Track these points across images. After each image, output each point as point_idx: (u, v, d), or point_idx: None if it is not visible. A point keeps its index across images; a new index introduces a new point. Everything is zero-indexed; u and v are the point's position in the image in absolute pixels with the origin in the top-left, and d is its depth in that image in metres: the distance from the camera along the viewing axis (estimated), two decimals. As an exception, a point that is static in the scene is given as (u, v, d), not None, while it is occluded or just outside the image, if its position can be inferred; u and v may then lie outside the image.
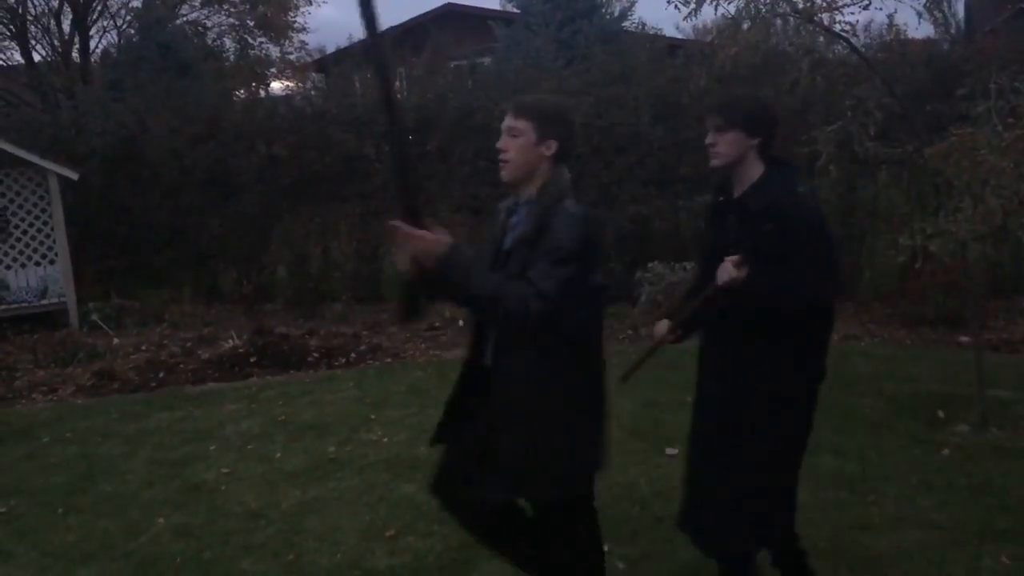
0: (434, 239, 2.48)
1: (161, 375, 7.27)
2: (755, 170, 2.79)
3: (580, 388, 2.69)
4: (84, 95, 12.39)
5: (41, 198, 9.79)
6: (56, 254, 9.78)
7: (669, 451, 4.78)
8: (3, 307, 9.51)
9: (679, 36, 17.27)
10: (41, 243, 9.88)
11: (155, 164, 10.50)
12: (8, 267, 9.84)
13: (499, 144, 2.69)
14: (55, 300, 9.65)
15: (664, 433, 5.08)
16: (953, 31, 9.89)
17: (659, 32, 15.75)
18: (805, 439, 2.96)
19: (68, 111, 11.89)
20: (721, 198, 2.94)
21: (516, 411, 2.64)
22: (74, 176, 9.65)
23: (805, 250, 2.66)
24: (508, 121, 2.66)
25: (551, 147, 2.63)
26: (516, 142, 2.64)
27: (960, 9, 10.84)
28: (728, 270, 2.67)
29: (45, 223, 9.83)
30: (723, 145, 2.78)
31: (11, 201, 9.81)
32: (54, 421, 6.19)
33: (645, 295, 7.95)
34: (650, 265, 8.06)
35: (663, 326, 3.09)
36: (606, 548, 3.63)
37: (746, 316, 2.75)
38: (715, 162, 2.83)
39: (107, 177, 10.60)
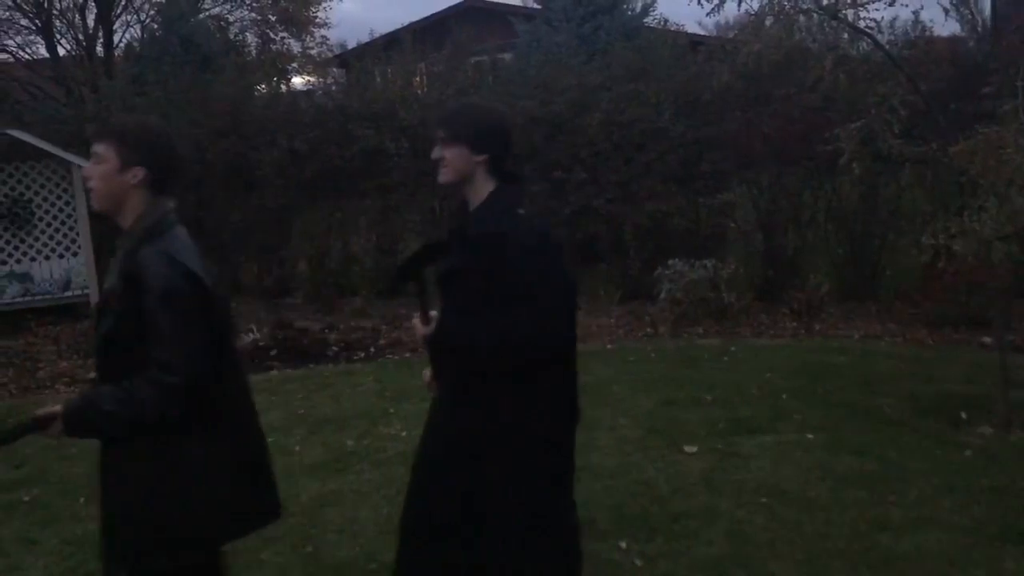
0: (48, 415, 2.28)
1: (182, 367, 7.31)
2: (484, 189, 2.50)
3: (183, 454, 2.30)
4: (108, 89, 12.47)
5: (65, 191, 9.89)
6: (79, 246, 9.87)
7: (687, 448, 4.78)
8: (27, 298, 9.62)
9: (701, 32, 17.23)
10: (64, 235, 9.98)
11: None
12: (32, 259, 9.95)
13: (83, 171, 2.41)
14: (78, 292, 9.73)
15: (681, 430, 5.07)
16: (979, 29, 9.78)
17: (681, 28, 15.69)
18: (544, 504, 2.52)
19: (92, 104, 11.98)
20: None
21: (111, 474, 2.42)
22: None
23: (527, 289, 2.35)
24: (92, 146, 2.36)
25: (137, 175, 2.30)
26: (98, 169, 2.31)
27: (986, 7, 10.72)
28: (416, 328, 2.52)
29: (69, 215, 9.92)
30: (448, 160, 2.49)
31: (36, 193, 9.92)
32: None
33: (664, 292, 7.93)
34: (670, 262, 8.04)
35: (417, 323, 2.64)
36: (623, 545, 3.65)
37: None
38: (441, 178, 2.53)
39: (130, 170, 10.67)
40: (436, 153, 2.51)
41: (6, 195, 9.89)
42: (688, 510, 4.02)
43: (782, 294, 8.24)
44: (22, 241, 9.97)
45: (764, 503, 4.04)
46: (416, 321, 2.55)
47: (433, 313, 2.53)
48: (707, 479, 4.37)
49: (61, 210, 9.94)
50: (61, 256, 9.99)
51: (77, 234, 9.87)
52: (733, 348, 7.06)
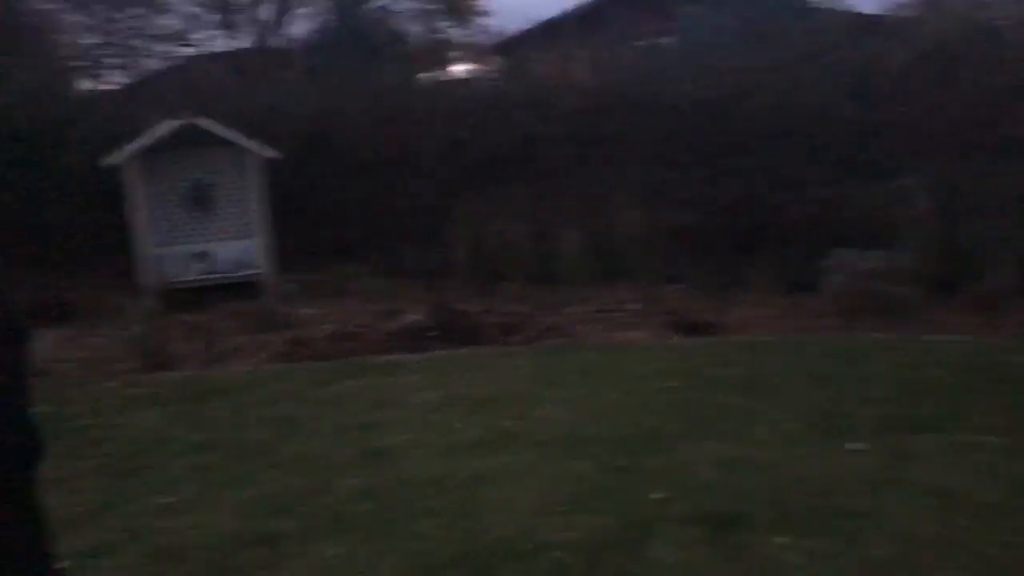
0: None
1: (348, 345, 7.64)
2: None
3: None
4: (282, 79, 13.10)
5: (242, 176, 10.49)
6: (254, 228, 10.47)
7: (851, 445, 4.59)
8: (208, 276, 10.29)
9: (875, 11, 16.33)
10: (240, 218, 10.61)
11: (345, 145, 11.01)
12: (209, 240, 10.64)
13: None
14: (253, 272, 10.32)
15: (846, 426, 4.88)
16: None
17: (852, 8, 14.96)
18: None
19: (267, 95, 12.61)
20: None
21: None
22: (274, 155, 10.27)
23: None
24: None
25: None
26: None
27: None
28: None
29: (246, 200, 10.53)
30: None
31: (216, 178, 10.60)
32: (251, 383, 6.64)
33: (831, 283, 7.63)
34: (837, 252, 7.72)
35: None
36: (781, 541, 3.55)
37: None
38: None
39: (301, 157, 11.20)
40: None
41: (192, 179, 10.61)
42: (851, 508, 3.85)
43: (961, 288, 7.76)
44: (201, 223, 10.68)
45: (935, 506, 3.83)
46: None
47: None
48: (872, 477, 4.18)
49: (239, 194, 10.56)
50: (237, 238, 10.63)
51: (254, 217, 10.47)
52: (905, 343, 6.71)
